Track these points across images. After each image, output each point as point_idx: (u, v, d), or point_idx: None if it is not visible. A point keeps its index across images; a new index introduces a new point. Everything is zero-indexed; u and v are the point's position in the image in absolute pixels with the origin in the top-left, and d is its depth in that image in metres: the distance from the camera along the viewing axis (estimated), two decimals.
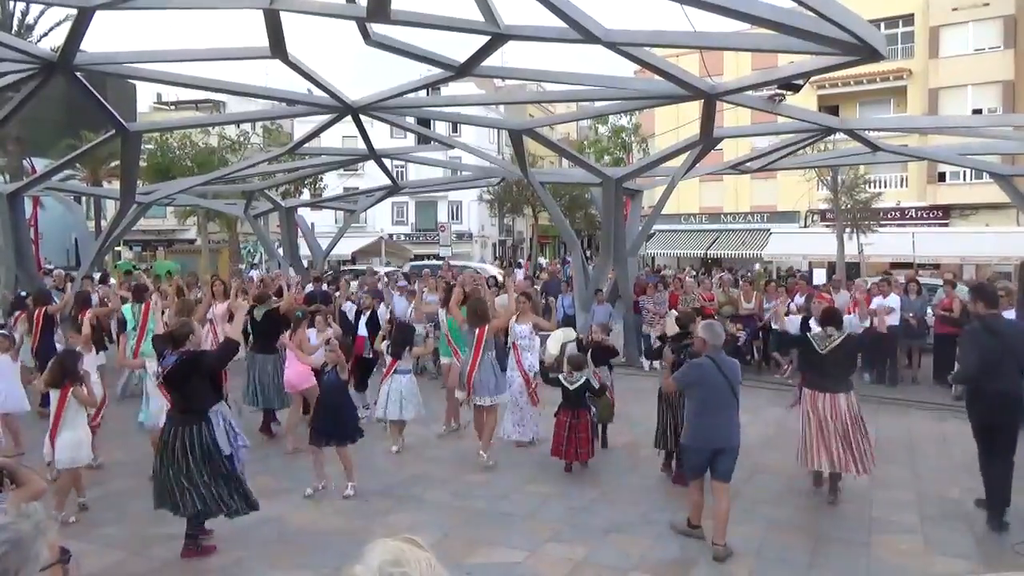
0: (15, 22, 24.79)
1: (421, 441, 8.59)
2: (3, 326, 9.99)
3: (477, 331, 7.76)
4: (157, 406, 6.74)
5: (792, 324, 7.41)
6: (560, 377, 7.62)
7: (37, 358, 9.65)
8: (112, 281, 16.33)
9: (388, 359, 8.33)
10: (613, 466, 7.73)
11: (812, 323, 7.87)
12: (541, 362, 8.45)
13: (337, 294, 12.90)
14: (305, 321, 8.49)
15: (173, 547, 5.55)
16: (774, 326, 10.22)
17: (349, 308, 11.67)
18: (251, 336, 9.41)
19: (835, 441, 6.45)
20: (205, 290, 11.62)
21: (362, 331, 10.36)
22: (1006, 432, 6.10)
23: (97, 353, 8.67)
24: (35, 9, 25.23)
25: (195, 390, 5.51)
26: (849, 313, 7.45)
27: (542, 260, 37.36)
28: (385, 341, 8.61)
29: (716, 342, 5.72)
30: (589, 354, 8.08)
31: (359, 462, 7.13)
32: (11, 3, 24.19)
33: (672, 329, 7.66)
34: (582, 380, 7.49)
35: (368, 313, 10.67)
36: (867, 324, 9.56)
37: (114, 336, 11.02)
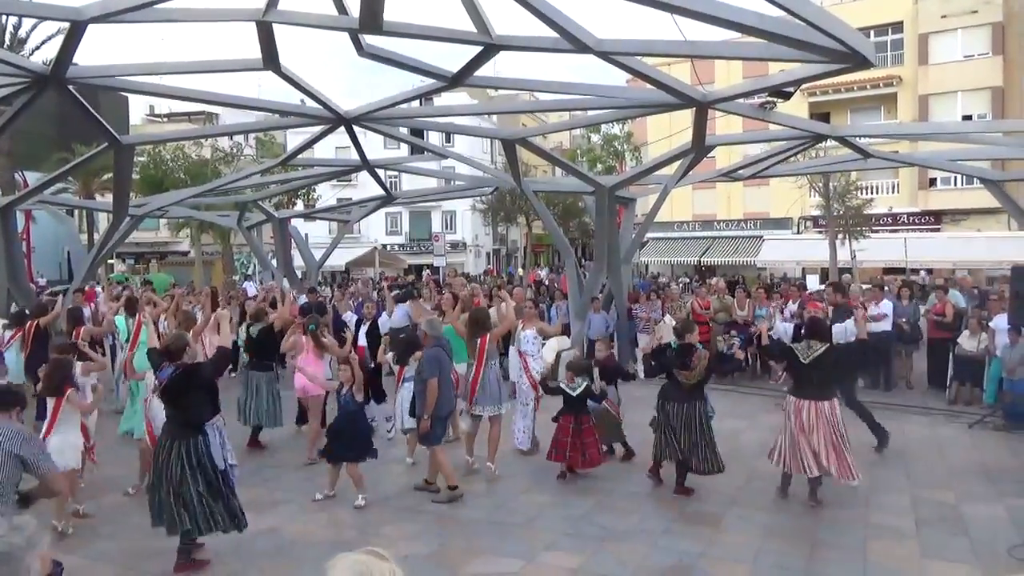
0: (7, 36, 24.75)
1: (417, 451, 8.55)
2: None
3: (479, 341, 7.75)
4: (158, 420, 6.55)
5: (785, 332, 7.42)
6: (561, 384, 7.62)
7: (28, 372, 9.47)
8: (100, 290, 16.23)
9: (395, 368, 8.32)
10: (609, 474, 7.71)
11: (803, 331, 7.89)
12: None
13: (335, 303, 12.90)
14: (312, 331, 8.44)
15: (166, 562, 5.50)
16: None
17: (351, 318, 11.64)
18: (246, 352, 9.37)
19: (820, 447, 6.54)
20: (203, 302, 11.57)
21: (362, 341, 10.33)
22: None
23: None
24: (27, 23, 25.22)
25: (193, 403, 5.47)
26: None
27: (519, 271, 37.19)
28: (389, 353, 8.58)
29: (436, 333, 7.13)
30: (597, 371, 8.02)
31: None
32: (3, 17, 24.15)
33: (669, 337, 7.67)
34: (583, 386, 7.48)
35: (368, 323, 10.62)
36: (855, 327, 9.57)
37: (107, 351, 10.92)
